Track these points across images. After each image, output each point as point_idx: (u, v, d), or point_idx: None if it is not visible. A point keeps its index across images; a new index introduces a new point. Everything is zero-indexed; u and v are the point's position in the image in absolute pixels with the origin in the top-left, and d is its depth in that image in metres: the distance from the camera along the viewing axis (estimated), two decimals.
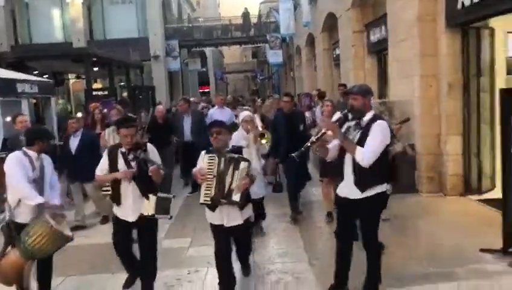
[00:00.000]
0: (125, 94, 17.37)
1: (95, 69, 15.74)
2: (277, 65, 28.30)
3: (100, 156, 4.39)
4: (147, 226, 4.09)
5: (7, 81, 8.79)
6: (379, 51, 10.84)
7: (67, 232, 3.95)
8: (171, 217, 4.20)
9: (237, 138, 5.31)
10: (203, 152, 4.07)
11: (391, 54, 8.72)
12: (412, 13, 7.40)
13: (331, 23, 14.92)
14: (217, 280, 4.15)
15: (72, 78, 21.30)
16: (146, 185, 4.01)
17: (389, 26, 8.77)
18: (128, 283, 4.37)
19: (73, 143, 6.66)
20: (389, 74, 9.06)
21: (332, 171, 5.06)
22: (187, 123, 8.64)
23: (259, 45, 31.61)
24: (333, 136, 3.72)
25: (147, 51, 24.26)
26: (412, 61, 7.52)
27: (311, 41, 19.14)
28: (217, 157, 3.92)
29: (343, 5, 12.28)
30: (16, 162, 4.00)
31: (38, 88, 10.07)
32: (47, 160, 4.28)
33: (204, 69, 37.08)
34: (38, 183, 4.08)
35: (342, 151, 3.77)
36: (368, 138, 3.60)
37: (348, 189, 3.78)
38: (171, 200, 4.14)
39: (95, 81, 19.52)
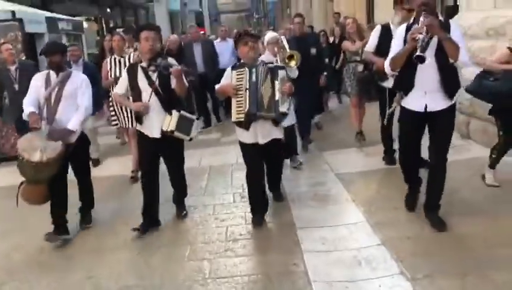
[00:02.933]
0: None
1: (107, 10, 17.20)
2: (273, 2, 29.32)
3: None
4: (172, 143, 3.96)
5: (51, 19, 10.37)
6: None
7: (40, 156, 3.66)
8: (191, 139, 3.98)
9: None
10: (229, 69, 3.91)
11: None
12: None
13: None
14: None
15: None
16: (169, 97, 3.86)
17: None
18: (141, 229, 3.96)
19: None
20: (375, 4, 10.64)
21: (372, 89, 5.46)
22: (198, 53, 8.11)
23: None
24: (433, 33, 3.19)
25: None
26: None
27: None
28: (247, 69, 3.73)
29: None
30: (32, 80, 4.08)
31: (72, 26, 11.66)
32: (76, 79, 4.06)
33: (200, 10, 37.93)
34: (49, 101, 3.93)
35: (410, 59, 3.24)
36: (455, 38, 3.26)
37: (428, 100, 3.39)
38: (193, 121, 3.99)
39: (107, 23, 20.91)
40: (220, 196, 4.85)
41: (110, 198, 5.00)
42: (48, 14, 10.61)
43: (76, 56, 6.23)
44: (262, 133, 3.80)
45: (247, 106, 3.64)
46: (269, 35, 5.36)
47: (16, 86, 6.07)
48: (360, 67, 5.88)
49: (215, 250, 3.61)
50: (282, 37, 5.28)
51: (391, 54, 3.46)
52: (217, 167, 5.85)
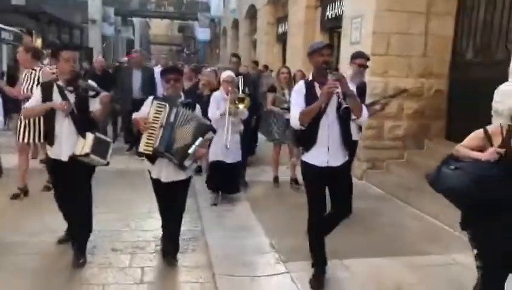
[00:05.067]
0: None
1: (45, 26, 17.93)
2: (204, 42, 31.34)
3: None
4: (79, 169, 3.69)
5: None
6: (283, 40, 14.54)
7: None
8: (107, 163, 3.77)
9: (217, 98, 5.24)
10: (150, 97, 3.75)
11: (288, 42, 12.42)
12: (301, 17, 11.11)
13: (252, 12, 18.39)
14: None
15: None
16: (84, 120, 3.67)
17: (289, 22, 12.46)
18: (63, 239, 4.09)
19: None
20: (287, 56, 12.77)
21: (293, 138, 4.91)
22: (137, 78, 8.14)
23: (188, 21, 34.55)
24: (341, 88, 3.21)
25: (85, 14, 26.19)
26: (298, 49, 11.26)
27: (236, 25, 22.50)
28: (167, 106, 3.59)
29: (262, 0, 15.83)
30: None
31: (14, 36, 12.52)
32: None
33: (132, 38, 39.09)
34: None
35: (317, 115, 3.35)
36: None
37: (329, 156, 3.43)
38: (109, 144, 3.79)
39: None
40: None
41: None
42: None
43: None
44: (167, 171, 3.71)
45: (157, 142, 3.53)
46: (225, 73, 5.48)
47: None
48: (288, 115, 5.55)
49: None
50: (240, 77, 5.50)
51: (297, 109, 3.43)
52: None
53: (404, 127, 6.92)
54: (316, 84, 3.42)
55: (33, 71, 5.43)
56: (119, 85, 8.27)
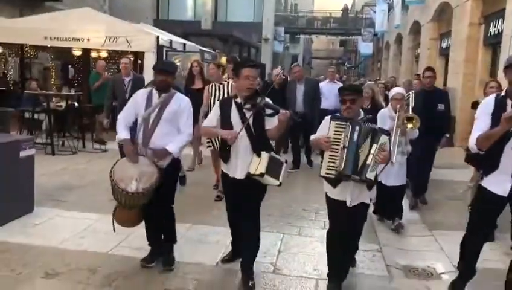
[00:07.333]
0: None
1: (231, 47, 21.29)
2: (366, 56, 32.41)
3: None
4: (254, 188, 3.62)
5: (202, 51, 14.26)
6: (446, 54, 15.07)
7: (136, 187, 3.63)
8: (280, 184, 3.61)
9: (384, 115, 4.91)
10: (328, 118, 3.52)
11: (451, 57, 13.06)
12: (464, 33, 11.75)
13: (416, 28, 19.09)
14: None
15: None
16: (260, 139, 3.60)
17: (452, 38, 13.10)
18: (228, 259, 4.11)
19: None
20: (448, 70, 13.39)
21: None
22: (300, 92, 8.09)
23: (351, 37, 36.04)
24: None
25: (259, 33, 29.59)
26: (460, 64, 11.90)
27: (399, 39, 23.27)
28: (350, 126, 3.33)
29: (426, 17, 16.55)
30: (134, 96, 4.01)
31: (211, 56, 15.52)
32: (179, 101, 3.86)
33: (297, 53, 42.07)
34: (147, 123, 3.79)
35: (501, 139, 3.03)
36: None
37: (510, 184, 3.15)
38: (283, 165, 3.66)
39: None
40: None
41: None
42: (200, 47, 14.54)
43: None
44: (352, 194, 3.45)
45: (342, 165, 3.31)
46: (395, 90, 5.30)
47: (127, 96, 6.75)
48: None
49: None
50: (411, 92, 5.25)
51: (478, 130, 3.17)
52: None
53: None
54: (509, 103, 3.15)
55: (220, 85, 5.93)
56: (286, 98, 8.16)
